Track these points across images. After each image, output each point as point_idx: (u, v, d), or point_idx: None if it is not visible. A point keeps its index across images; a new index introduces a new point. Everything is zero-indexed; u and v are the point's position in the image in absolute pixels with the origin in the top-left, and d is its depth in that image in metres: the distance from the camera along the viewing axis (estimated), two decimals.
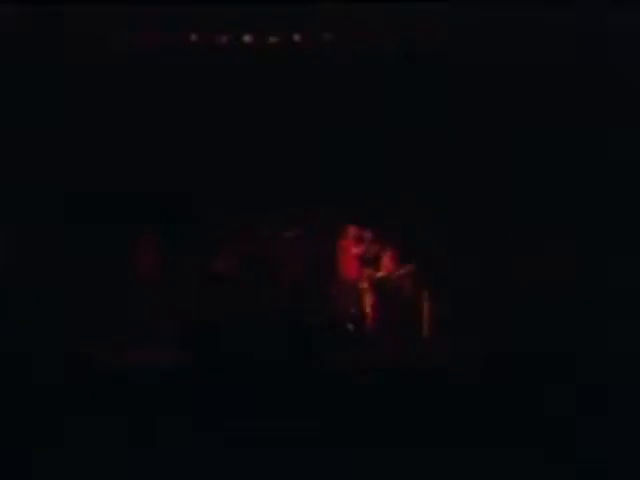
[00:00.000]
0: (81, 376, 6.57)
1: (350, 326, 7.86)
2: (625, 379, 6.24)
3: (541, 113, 7.91)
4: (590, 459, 5.53)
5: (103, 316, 7.70)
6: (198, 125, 8.13)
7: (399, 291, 7.89)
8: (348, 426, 6.03)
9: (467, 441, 5.88)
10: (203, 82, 8.01)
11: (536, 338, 7.22)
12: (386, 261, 7.98)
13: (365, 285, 7.95)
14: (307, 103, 8.07)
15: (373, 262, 8.01)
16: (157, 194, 8.03)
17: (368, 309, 7.93)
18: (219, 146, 8.15)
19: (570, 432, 5.78)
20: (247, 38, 7.75)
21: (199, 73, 7.97)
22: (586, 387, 6.19)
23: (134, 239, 8.10)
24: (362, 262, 8.01)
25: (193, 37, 7.74)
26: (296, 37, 7.69)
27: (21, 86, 7.81)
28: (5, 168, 7.82)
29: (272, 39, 7.73)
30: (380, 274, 7.94)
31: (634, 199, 7.71)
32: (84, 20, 7.56)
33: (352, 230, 8.04)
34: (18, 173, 7.89)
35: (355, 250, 8.02)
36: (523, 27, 7.48)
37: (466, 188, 8.05)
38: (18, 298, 7.69)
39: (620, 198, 7.77)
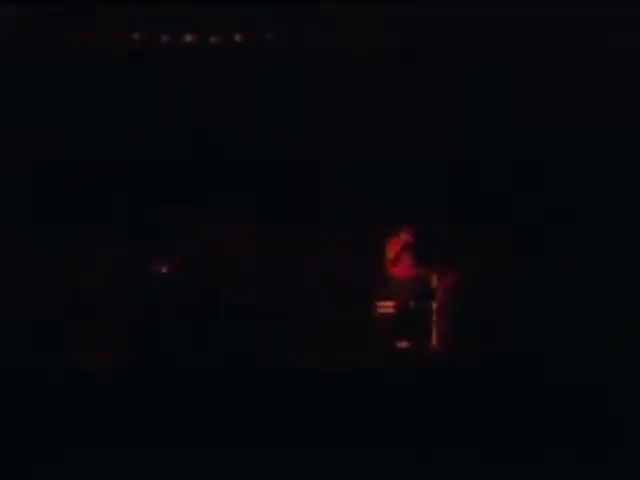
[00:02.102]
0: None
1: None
2: None
3: (540, 114, 7.93)
4: None
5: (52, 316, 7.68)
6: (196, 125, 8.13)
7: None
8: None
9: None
10: (201, 82, 8.00)
11: None
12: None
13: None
14: (305, 100, 8.06)
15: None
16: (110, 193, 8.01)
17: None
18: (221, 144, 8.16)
19: None
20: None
21: (197, 73, 7.97)
22: None
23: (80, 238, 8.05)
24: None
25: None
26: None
27: (21, 86, 7.82)
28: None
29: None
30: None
31: (634, 201, 7.74)
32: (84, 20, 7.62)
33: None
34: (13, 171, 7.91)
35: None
36: (523, 27, 7.53)
37: (468, 187, 8.06)
38: None
39: (619, 200, 7.80)
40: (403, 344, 7.67)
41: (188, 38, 7.74)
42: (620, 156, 7.74)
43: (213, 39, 7.76)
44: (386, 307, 7.88)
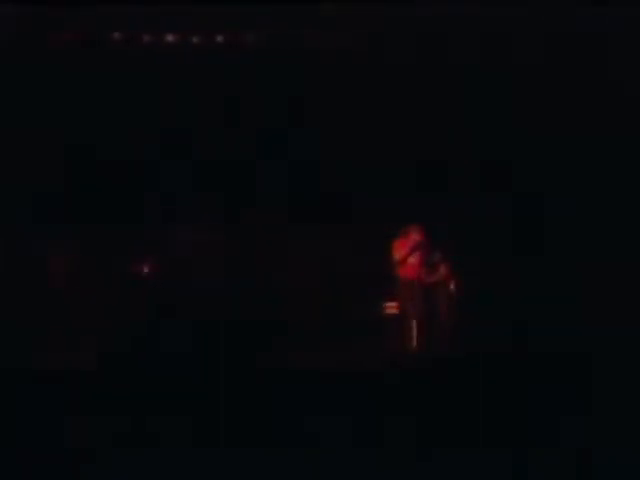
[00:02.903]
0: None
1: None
2: None
3: (539, 115, 7.94)
4: None
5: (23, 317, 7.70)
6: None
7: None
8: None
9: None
10: (203, 82, 8.02)
11: None
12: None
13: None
14: (306, 101, 8.08)
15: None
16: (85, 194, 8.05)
17: None
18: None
19: None
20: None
21: (196, 73, 8.00)
22: None
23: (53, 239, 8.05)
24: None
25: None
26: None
27: (21, 86, 7.84)
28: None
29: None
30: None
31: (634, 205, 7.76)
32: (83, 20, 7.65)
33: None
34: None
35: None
36: (521, 27, 7.56)
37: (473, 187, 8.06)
38: None
39: (617, 203, 7.82)
40: (405, 344, 7.68)
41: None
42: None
43: (213, 39, 7.80)
44: (391, 308, 7.90)
